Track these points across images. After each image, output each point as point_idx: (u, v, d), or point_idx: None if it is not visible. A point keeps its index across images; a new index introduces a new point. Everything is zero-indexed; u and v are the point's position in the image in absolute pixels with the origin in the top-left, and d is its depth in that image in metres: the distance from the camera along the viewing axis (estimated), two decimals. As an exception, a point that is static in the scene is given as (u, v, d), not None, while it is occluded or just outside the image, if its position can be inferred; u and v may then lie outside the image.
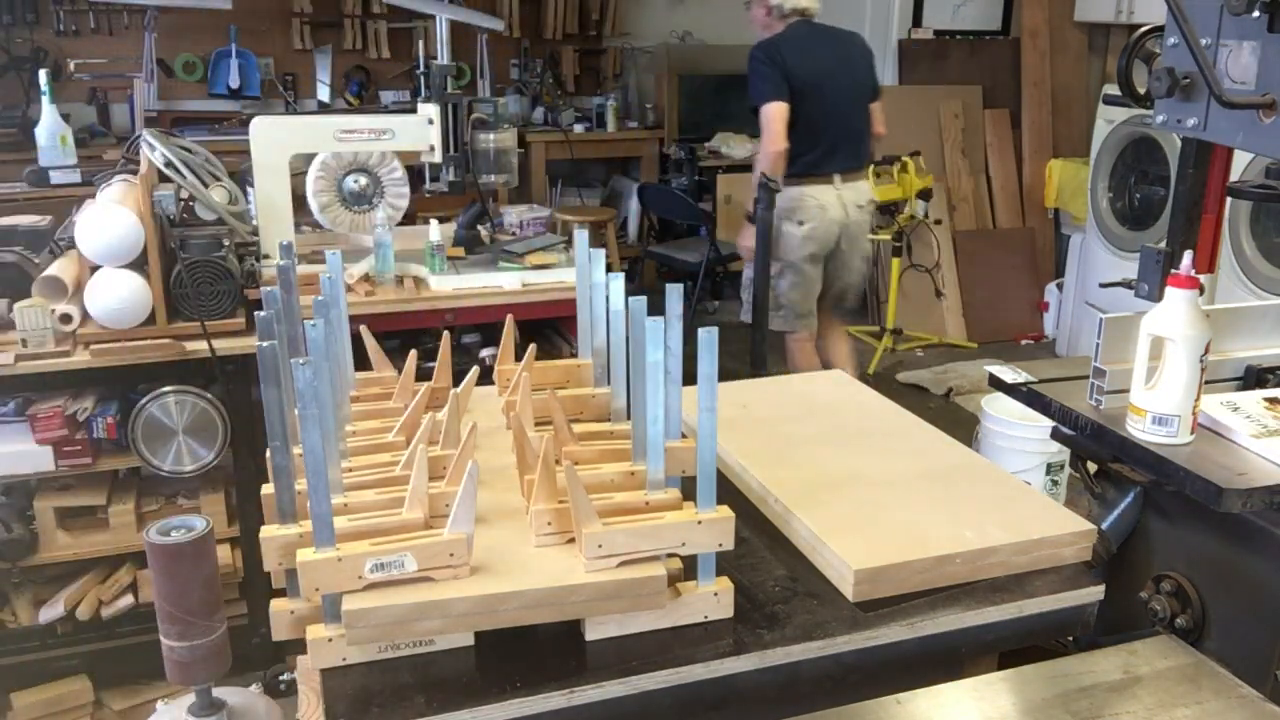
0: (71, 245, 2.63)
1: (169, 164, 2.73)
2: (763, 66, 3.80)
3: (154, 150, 2.73)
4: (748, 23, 4.12)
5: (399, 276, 3.00)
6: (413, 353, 1.80)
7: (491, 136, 3.16)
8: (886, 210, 5.58)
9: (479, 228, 3.35)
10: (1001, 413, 3.55)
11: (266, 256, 2.90)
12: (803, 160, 3.84)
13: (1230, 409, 1.62)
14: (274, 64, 6.23)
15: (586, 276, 1.70)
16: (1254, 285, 4.19)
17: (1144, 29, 1.70)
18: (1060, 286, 5.91)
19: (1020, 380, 1.84)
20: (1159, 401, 1.54)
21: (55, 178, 3.78)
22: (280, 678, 1.45)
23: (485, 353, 3.10)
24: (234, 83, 6.00)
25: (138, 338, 2.55)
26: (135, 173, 2.76)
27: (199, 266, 2.60)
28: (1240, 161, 2.05)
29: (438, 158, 3.06)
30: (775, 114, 3.74)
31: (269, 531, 1.33)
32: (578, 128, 6.66)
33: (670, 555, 1.34)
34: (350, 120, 3.02)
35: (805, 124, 3.80)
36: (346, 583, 1.24)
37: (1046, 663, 1.37)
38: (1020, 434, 3.49)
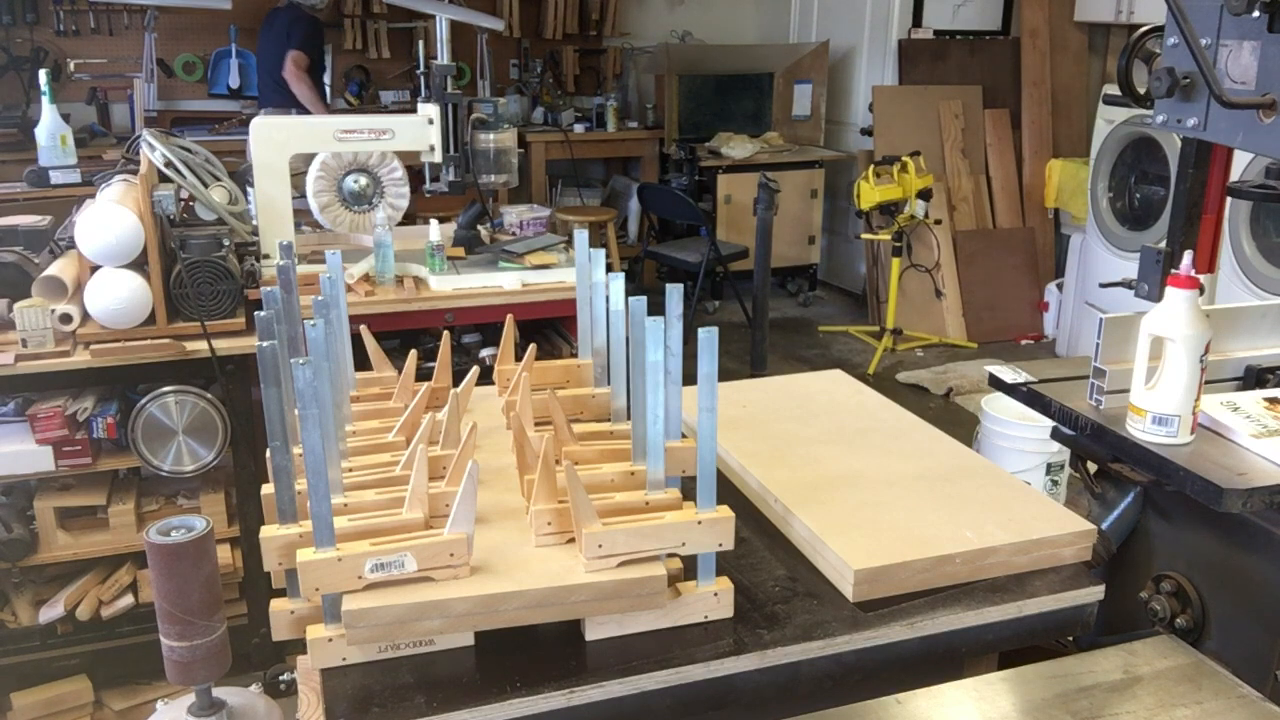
0: (71, 245, 2.63)
1: (169, 164, 2.73)
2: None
3: (154, 150, 2.73)
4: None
5: (399, 276, 3.00)
6: (413, 353, 1.80)
7: (491, 136, 3.16)
8: (886, 210, 5.59)
9: (479, 228, 3.35)
10: (1001, 413, 3.55)
11: (266, 256, 2.90)
12: None
13: (1230, 409, 1.62)
14: (274, 64, 6.23)
15: (586, 276, 1.70)
16: (1254, 285, 4.18)
17: (1144, 29, 1.70)
18: (1060, 286, 5.91)
19: (1020, 380, 1.84)
20: (1159, 401, 1.54)
21: (55, 178, 3.78)
22: (280, 678, 1.44)
23: (485, 353, 3.10)
24: (234, 83, 6.02)
25: (138, 338, 2.55)
26: (135, 173, 2.75)
27: (199, 266, 2.61)
28: (1240, 161, 2.05)
29: (438, 158, 3.06)
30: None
31: (269, 531, 1.33)
32: (578, 128, 6.66)
33: (670, 555, 1.34)
34: (350, 120, 3.01)
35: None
36: (346, 583, 1.24)
37: (1046, 663, 1.36)
38: (1020, 434, 3.49)
